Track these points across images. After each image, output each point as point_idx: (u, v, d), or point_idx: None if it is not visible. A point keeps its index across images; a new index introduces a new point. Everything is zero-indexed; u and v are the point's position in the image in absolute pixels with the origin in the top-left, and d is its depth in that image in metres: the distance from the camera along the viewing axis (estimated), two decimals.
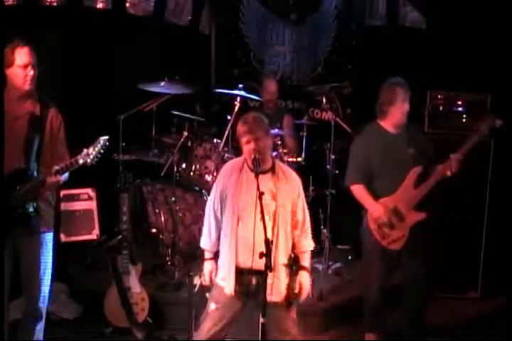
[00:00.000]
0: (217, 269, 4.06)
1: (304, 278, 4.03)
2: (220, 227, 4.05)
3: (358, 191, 4.73)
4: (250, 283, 3.96)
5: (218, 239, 4.07)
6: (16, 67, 3.98)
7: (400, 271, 4.81)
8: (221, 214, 4.03)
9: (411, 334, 4.83)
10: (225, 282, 3.97)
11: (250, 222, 3.89)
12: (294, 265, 4.05)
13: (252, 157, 3.86)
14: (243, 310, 4.07)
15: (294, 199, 4.01)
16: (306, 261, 4.09)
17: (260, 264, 3.76)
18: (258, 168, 3.85)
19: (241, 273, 3.95)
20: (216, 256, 4.11)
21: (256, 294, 3.94)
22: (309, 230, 4.11)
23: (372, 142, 4.74)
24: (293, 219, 4.01)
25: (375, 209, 4.68)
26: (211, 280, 4.08)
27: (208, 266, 4.11)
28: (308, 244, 4.10)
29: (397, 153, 4.69)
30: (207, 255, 4.14)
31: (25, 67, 3.98)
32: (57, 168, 3.99)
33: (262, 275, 3.80)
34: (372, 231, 4.71)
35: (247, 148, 3.90)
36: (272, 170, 3.97)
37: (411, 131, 4.78)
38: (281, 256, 3.93)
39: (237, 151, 4.21)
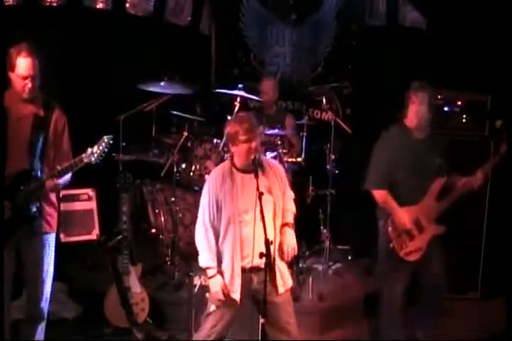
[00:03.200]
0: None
1: (288, 235, 4.01)
2: (217, 240, 4.01)
3: (383, 196, 4.64)
4: (249, 281, 3.99)
5: (216, 250, 4.01)
6: (16, 76, 3.99)
7: (416, 279, 4.79)
8: (216, 222, 4.00)
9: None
10: (230, 286, 3.96)
11: (251, 222, 3.91)
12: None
13: (253, 157, 3.88)
14: (242, 309, 4.08)
15: (282, 185, 4.08)
16: (289, 218, 4.09)
17: (259, 262, 3.84)
18: (258, 167, 3.87)
19: (242, 271, 3.97)
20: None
21: (255, 291, 3.98)
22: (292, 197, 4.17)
23: (397, 147, 4.68)
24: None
25: (401, 216, 4.60)
26: (224, 295, 3.95)
27: (216, 281, 3.96)
28: (292, 206, 4.15)
29: (423, 161, 4.64)
30: (212, 272, 3.99)
31: (25, 78, 3.97)
32: (59, 168, 3.99)
33: (260, 272, 3.87)
34: (392, 240, 4.63)
35: (246, 147, 3.91)
36: (262, 166, 3.99)
37: (438, 140, 4.77)
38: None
39: None
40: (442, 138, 4.87)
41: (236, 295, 3.96)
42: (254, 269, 3.96)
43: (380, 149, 4.74)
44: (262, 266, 3.82)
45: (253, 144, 3.89)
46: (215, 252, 4.00)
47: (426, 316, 4.88)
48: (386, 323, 4.87)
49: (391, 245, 4.64)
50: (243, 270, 3.96)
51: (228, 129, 4.00)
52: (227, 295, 3.94)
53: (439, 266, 4.77)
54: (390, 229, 4.63)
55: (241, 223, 3.93)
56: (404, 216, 4.60)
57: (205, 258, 4.02)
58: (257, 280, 3.97)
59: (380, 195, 4.66)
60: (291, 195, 4.19)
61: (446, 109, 5.94)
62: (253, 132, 3.90)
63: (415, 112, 4.65)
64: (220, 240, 4.00)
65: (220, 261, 4.00)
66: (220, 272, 3.98)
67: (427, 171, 4.64)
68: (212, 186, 4.01)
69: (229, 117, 5.83)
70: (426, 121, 4.69)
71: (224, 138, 4.05)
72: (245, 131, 3.89)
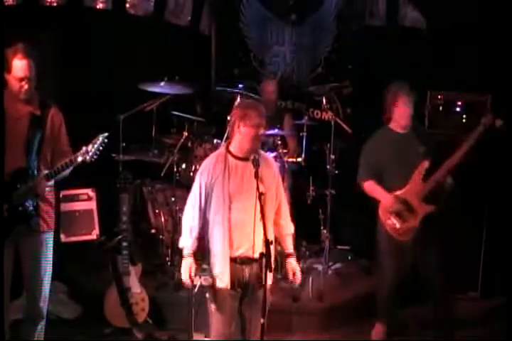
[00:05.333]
0: (196, 265, 4.03)
1: (294, 265, 4.10)
2: (201, 225, 4.01)
3: (369, 186, 4.90)
4: (240, 272, 3.98)
5: (197, 237, 4.04)
6: (12, 78, 3.99)
7: (417, 263, 4.91)
8: (206, 209, 4.00)
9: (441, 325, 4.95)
10: (220, 275, 3.97)
11: (241, 210, 3.91)
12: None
13: (252, 157, 3.87)
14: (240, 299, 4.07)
15: (276, 182, 4.07)
16: (290, 246, 4.16)
17: (251, 252, 3.90)
18: (258, 167, 3.85)
19: (233, 262, 3.96)
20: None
21: (248, 282, 3.99)
22: (288, 212, 4.18)
23: (381, 141, 4.94)
24: (275, 203, 4.06)
25: (386, 199, 4.84)
26: (190, 277, 4.01)
27: (187, 262, 4.02)
28: (291, 227, 4.18)
29: (407, 150, 4.85)
30: (187, 251, 4.05)
31: (21, 80, 3.98)
32: (46, 172, 4.01)
33: (252, 262, 3.92)
34: (384, 222, 4.85)
35: (254, 131, 3.90)
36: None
37: (418, 131, 4.98)
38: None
39: None
40: (420, 127, 5.15)
41: (223, 284, 3.95)
42: (246, 260, 3.96)
43: (365, 148, 5.00)
44: (254, 256, 3.89)
45: (261, 130, 3.92)
46: (195, 237, 4.02)
47: (434, 316, 4.97)
48: (381, 301, 5.05)
49: (383, 229, 4.85)
50: (234, 260, 3.96)
51: (238, 111, 3.99)
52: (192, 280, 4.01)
53: (440, 266, 4.85)
54: (380, 213, 4.86)
55: (231, 210, 3.92)
56: (388, 199, 4.83)
57: (185, 241, 4.06)
58: (249, 271, 3.98)
59: (366, 185, 4.92)
60: (284, 202, 4.16)
61: (446, 109, 5.95)
62: (262, 118, 3.93)
63: (402, 114, 4.86)
64: (210, 227, 4.00)
65: (208, 250, 4.02)
66: (194, 254, 4.03)
67: (412, 159, 4.83)
68: (205, 173, 4.00)
69: (229, 117, 5.83)
70: (410, 120, 4.90)
71: (231, 120, 4.05)
72: (256, 116, 3.90)
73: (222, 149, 4.09)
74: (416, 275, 4.96)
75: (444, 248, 4.90)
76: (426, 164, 4.81)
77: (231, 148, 4.00)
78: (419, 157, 4.84)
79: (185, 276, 4.04)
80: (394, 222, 4.82)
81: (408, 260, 4.88)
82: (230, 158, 3.99)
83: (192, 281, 4.04)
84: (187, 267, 4.03)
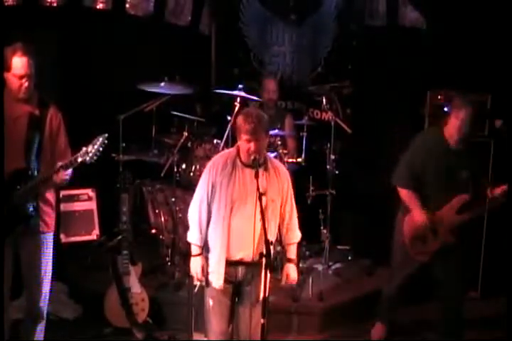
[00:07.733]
0: (207, 264, 4.02)
1: (292, 270, 4.14)
2: (209, 221, 4.02)
3: (409, 195, 4.76)
4: (237, 273, 4.00)
5: (206, 232, 4.04)
6: (12, 76, 3.98)
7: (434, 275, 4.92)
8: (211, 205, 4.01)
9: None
10: (214, 276, 3.99)
11: (243, 215, 3.91)
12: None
13: (252, 157, 3.87)
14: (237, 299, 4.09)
15: (284, 193, 4.04)
16: (293, 253, 4.19)
17: (248, 255, 3.92)
18: (258, 168, 3.85)
19: (229, 265, 3.97)
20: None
21: (243, 284, 4.01)
22: (296, 221, 4.17)
23: (432, 153, 4.73)
24: (282, 212, 4.06)
25: (419, 217, 4.73)
26: (203, 276, 4.03)
27: (198, 261, 4.04)
28: (296, 236, 4.20)
29: (453, 171, 4.70)
30: (196, 250, 4.06)
31: (21, 78, 3.97)
32: (60, 164, 3.98)
33: (249, 265, 3.95)
34: (405, 237, 4.80)
35: (246, 147, 3.90)
36: (264, 165, 3.98)
37: (473, 153, 4.78)
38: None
39: None
40: (475, 151, 4.84)
41: (216, 285, 3.97)
42: (241, 262, 3.98)
43: (415, 150, 4.79)
44: (248, 260, 3.92)
45: (252, 146, 3.86)
46: (204, 232, 4.02)
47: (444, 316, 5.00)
48: (384, 304, 5.09)
49: (403, 242, 4.81)
50: (229, 262, 3.96)
51: (236, 121, 3.98)
52: (207, 278, 4.01)
53: (457, 268, 4.89)
54: (406, 225, 4.79)
55: (231, 214, 3.92)
56: (422, 218, 4.72)
57: (193, 236, 4.07)
58: (242, 272, 4.01)
59: (405, 193, 4.77)
60: (295, 213, 4.15)
61: (446, 109, 5.95)
62: (256, 134, 3.86)
63: (458, 127, 4.62)
64: (211, 226, 4.01)
65: (207, 247, 4.03)
66: (205, 256, 4.03)
67: (454, 182, 4.71)
68: (213, 169, 3.99)
69: (229, 117, 5.84)
70: (465, 135, 4.66)
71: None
72: (247, 131, 3.86)
73: (233, 150, 4.06)
74: (418, 274, 4.98)
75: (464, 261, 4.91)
76: (465, 198, 4.71)
77: (241, 153, 3.98)
78: (463, 181, 4.71)
79: (199, 276, 4.04)
80: (415, 242, 4.77)
81: (421, 269, 4.88)
82: (239, 164, 3.97)
83: (205, 279, 4.03)
84: (199, 267, 4.03)
